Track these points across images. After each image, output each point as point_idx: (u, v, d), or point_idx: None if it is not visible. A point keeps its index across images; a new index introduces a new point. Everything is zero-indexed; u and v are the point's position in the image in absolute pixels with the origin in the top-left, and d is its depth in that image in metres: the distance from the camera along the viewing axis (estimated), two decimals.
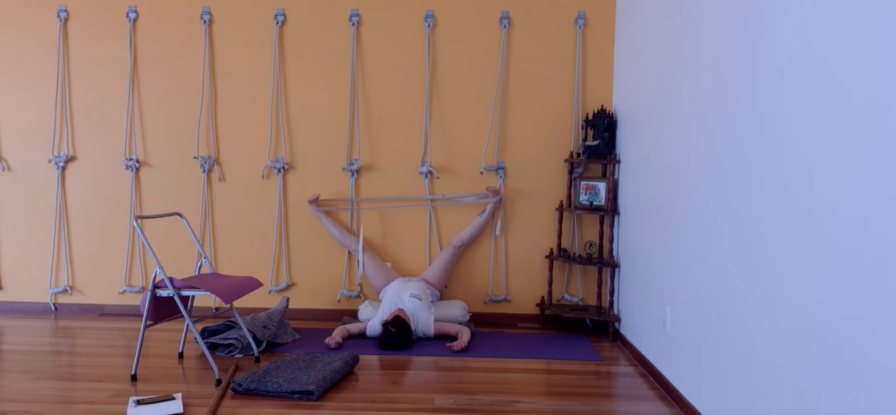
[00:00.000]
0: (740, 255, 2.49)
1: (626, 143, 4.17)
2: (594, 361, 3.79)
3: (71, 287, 4.72)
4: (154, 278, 3.35)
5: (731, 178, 2.59)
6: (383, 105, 4.62)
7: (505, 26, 4.57)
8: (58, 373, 3.37)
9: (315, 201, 4.54)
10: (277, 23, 4.58)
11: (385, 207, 4.65)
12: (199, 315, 4.56)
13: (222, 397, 3.06)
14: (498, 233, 4.61)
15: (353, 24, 4.58)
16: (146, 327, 3.33)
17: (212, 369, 3.47)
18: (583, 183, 4.47)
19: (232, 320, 3.96)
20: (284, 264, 4.68)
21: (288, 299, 4.18)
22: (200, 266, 3.87)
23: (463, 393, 3.19)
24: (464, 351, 3.89)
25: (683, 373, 3.06)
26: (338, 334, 3.98)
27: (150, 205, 4.67)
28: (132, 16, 4.60)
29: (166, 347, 3.90)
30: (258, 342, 3.83)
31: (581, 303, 4.67)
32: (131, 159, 4.61)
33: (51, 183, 4.68)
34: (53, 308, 4.72)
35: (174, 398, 2.97)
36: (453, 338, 4.12)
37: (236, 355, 3.74)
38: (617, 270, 4.34)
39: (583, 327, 4.56)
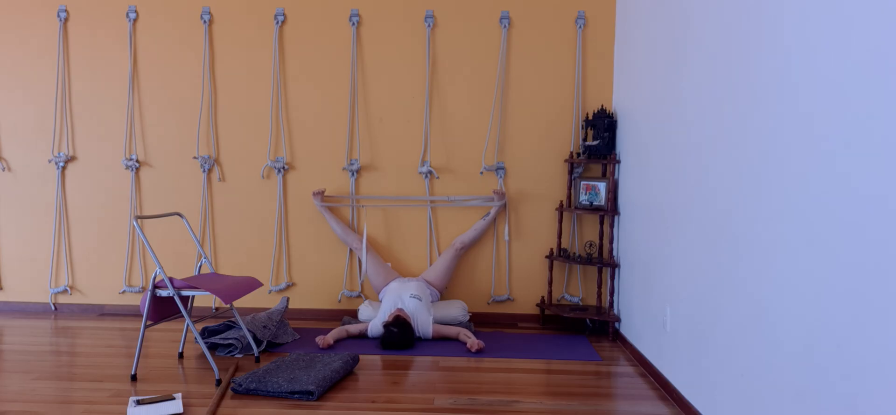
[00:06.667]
0: (740, 255, 2.49)
1: (626, 143, 4.17)
2: (594, 361, 3.79)
3: (71, 287, 4.72)
4: (154, 278, 3.35)
5: (730, 178, 2.59)
6: (383, 105, 4.62)
7: (505, 26, 4.57)
8: (58, 373, 3.37)
9: (319, 195, 4.53)
10: (277, 23, 4.58)
11: (386, 205, 4.65)
12: (199, 315, 4.57)
13: (222, 397, 3.07)
14: (508, 238, 4.60)
15: (353, 24, 4.58)
16: (146, 327, 3.33)
17: (212, 369, 3.47)
18: (583, 183, 4.47)
19: (232, 320, 3.96)
20: (284, 264, 4.68)
21: (288, 299, 4.18)
22: (200, 266, 3.87)
23: (463, 393, 3.19)
24: (481, 352, 3.88)
25: (683, 373, 3.06)
26: (332, 335, 3.94)
27: (150, 205, 4.67)
28: (132, 16, 4.60)
29: (166, 347, 3.90)
30: (258, 342, 3.83)
31: (581, 303, 4.67)
32: (131, 159, 4.61)
33: (51, 183, 4.68)
34: (53, 308, 4.72)
35: (174, 398, 2.97)
36: (451, 340, 4.12)
37: (236, 355, 3.74)
38: (617, 270, 4.34)
39: (583, 327, 4.56)
